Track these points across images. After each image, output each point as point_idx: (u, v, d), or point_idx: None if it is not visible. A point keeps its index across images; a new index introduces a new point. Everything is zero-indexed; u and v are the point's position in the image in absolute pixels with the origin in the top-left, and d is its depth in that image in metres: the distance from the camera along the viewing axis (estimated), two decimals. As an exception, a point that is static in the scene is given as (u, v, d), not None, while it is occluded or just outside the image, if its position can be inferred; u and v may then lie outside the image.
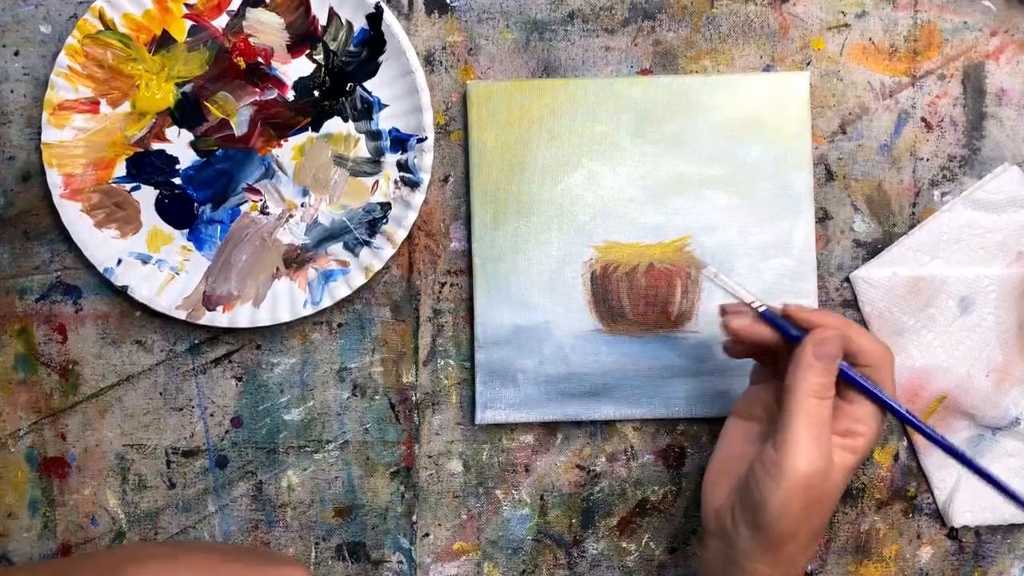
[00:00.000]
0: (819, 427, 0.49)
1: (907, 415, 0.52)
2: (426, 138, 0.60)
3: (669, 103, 0.61)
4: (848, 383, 0.51)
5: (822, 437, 0.49)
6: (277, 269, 0.61)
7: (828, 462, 0.49)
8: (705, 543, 0.55)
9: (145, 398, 0.62)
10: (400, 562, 0.63)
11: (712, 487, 0.55)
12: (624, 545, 0.63)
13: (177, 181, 0.61)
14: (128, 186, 0.61)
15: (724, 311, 0.55)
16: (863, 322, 0.62)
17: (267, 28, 0.61)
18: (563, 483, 0.63)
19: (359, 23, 0.60)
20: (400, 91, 0.61)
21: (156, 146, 0.61)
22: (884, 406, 0.52)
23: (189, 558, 0.50)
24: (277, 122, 0.61)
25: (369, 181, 0.61)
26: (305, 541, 0.63)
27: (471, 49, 0.62)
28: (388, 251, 0.61)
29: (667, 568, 0.63)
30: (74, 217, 0.60)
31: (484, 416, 0.61)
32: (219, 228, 0.62)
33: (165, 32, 0.60)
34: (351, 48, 0.61)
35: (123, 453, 0.63)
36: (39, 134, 0.60)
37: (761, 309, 0.54)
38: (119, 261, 0.61)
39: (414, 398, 0.63)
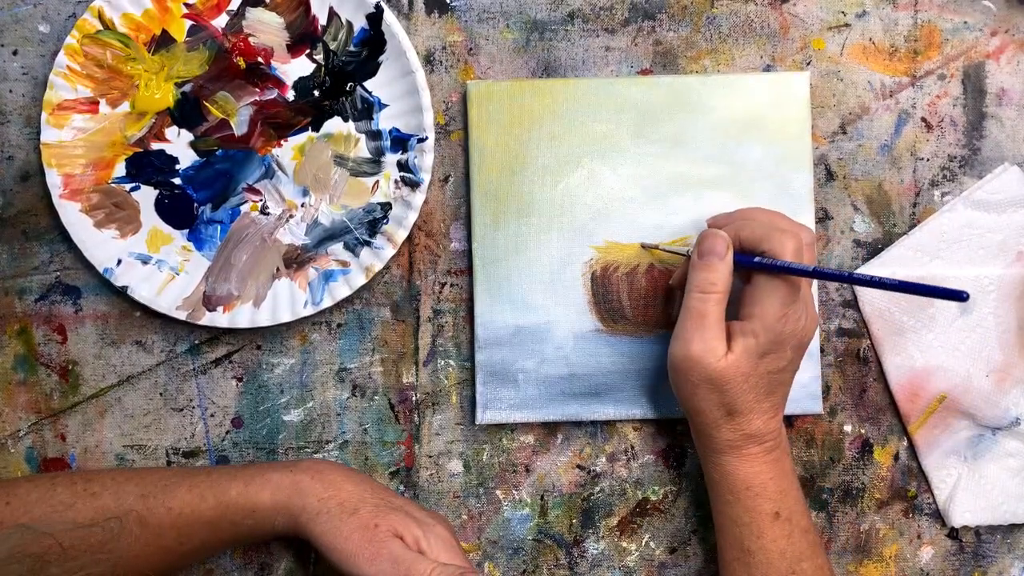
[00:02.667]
0: (698, 319, 0.54)
1: (792, 266, 0.53)
2: (426, 138, 0.60)
3: (669, 103, 0.61)
4: (746, 266, 0.55)
5: (700, 328, 0.54)
6: (277, 269, 0.61)
7: (705, 351, 0.53)
8: None
9: (145, 399, 0.62)
10: (400, 562, 0.63)
11: None
12: (624, 545, 0.63)
13: (177, 181, 0.61)
14: (128, 186, 0.61)
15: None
16: (863, 323, 0.62)
17: (267, 28, 0.61)
18: (563, 483, 0.63)
19: (359, 23, 0.60)
20: (400, 91, 0.61)
21: (156, 146, 0.61)
22: (765, 270, 0.54)
23: (365, 478, 0.58)
24: (277, 122, 0.61)
25: (369, 181, 0.61)
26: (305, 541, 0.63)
27: (471, 49, 0.62)
28: (388, 251, 0.61)
29: (667, 568, 0.63)
30: (74, 217, 0.60)
31: (484, 416, 0.61)
32: (219, 228, 0.61)
33: (164, 32, 0.60)
34: (351, 48, 0.61)
35: (123, 454, 0.63)
36: (38, 134, 0.60)
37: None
38: (119, 261, 0.61)
39: (414, 398, 0.63)
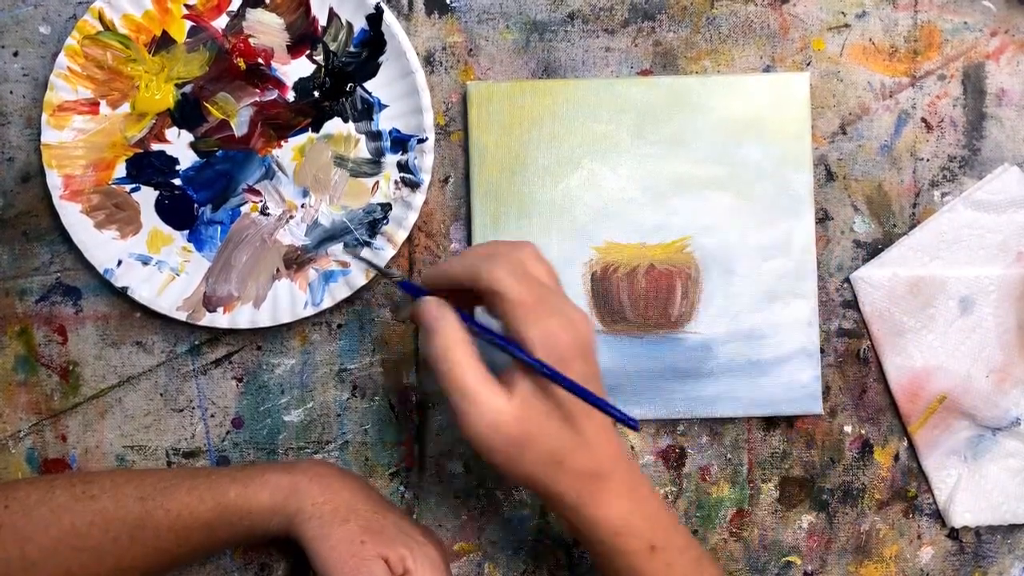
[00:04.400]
0: (459, 392, 0.48)
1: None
2: (426, 139, 0.60)
3: (669, 103, 0.61)
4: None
5: (464, 398, 0.48)
6: (277, 270, 0.61)
7: (484, 412, 0.48)
8: None
9: (145, 399, 0.62)
10: (401, 563, 0.63)
11: None
12: (624, 545, 0.63)
13: (177, 182, 0.61)
14: (128, 187, 0.61)
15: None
16: (863, 323, 0.62)
17: (267, 29, 0.61)
18: (563, 483, 0.63)
19: (359, 24, 0.60)
20: (400, 92, 0.61)
21: (156, 147, 0.61)
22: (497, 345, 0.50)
23: (363, 485, 0.58)
24: (277, 123, 0.61)
25: (369, 182, 0.61)
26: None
27: (471, 50, 0.62)
28: (388, 252, 0.61)
29: (667, 568, 0.63)
30: (74, 218, 0.60)
31: (484, 417, 0.61)
32: (219, 229, 0.61)
33: (165, 33, 0.60)
34: (351, 49, 0.61)
35: (123, 454, 0.63)
36: (39, 135, 0.60)
37: (399, 280, 0.56)
38: (119, 262, 0.61)
39: (414, 399, 0.63)
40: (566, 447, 0.49)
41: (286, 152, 0.61)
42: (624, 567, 0.52)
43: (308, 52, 0.61)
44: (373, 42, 0.60)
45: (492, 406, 0.48)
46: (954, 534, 0.63)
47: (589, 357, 0.50)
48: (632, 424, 0.49)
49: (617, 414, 0.49)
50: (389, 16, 0.60)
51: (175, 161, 0.61)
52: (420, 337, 0.50)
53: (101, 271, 0.60)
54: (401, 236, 0.60)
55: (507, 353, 0.49)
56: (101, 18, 0.60)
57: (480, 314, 0.55)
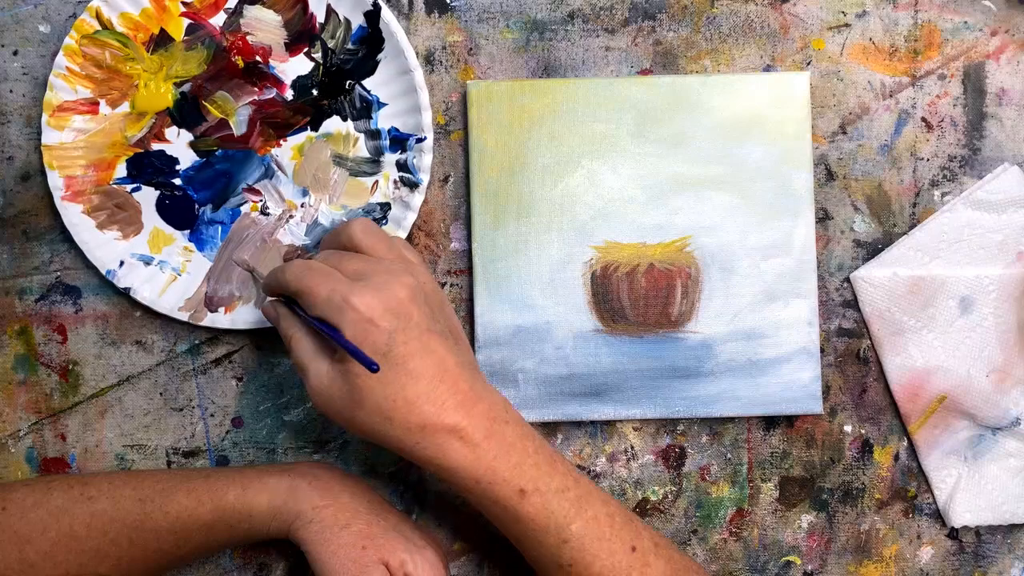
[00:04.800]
0: (299, 367, 0.54)
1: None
2: (425, 138, 0.60)
3: (669, 103, 0.61)
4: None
5: (303, 368, 0.53)
6: (277, 270, 0.61)
7: (314, 382, 0.52)
8: None
9: (145, 398, 0.62)
10: (400, 562, 0.63)
11: None
12: (624, 544, 0.63)
13: (177, 182, 0.61)
14: (129, 187, 0.61)
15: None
16: (863, 323, 0.62)
17: (265, 26, 0.61)
18: (563, 483, 0.63)
19: (357, 20, 0.60)
20: (399, 90, 0.61)
21: (156, 146, 0.61)
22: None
23: (364, 488, 0.58)
24: (276, 121, 0.61)
25: (369, 181, 0.61)
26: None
27: (471, 49, 0.62)
28: (388, 251, 0.60)
29: (667, 567, 0.63)
30: (76, 220, 0.60)
31: (484, 416, 0.61)
32: (220, 229, 0.61)
33: (163, 31, 0.60)
34: (349, 46, 0.61)
35: (123, 454, 0.63)
36: (38, 134, 0.60)
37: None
38: (121, 263, 0.61)
39: (414, 398, 0.63)
40: (390, 403, 0.51)
41: (285, 151, 0.61)
42: (499, 512, 0.53)
43: (306, 49, 0.61)
44: (371, 39, 0.60)
45: (319, 370, 0.52)
46: (954, 534, 0.63)
47: (403, 313, 0.51)
48: (372, 367, 0.49)
49: (360, 355, 0.50)
50: (387, 13, 0.60)
51: (175, 161, 0.61)
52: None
53: (104, 272, 0.60)
54: (400, 236, 0.60)
55: (319, 330, 0.52)
56: (99, 17, 0.59)
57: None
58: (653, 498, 0.63)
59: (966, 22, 0.62)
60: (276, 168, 0.61)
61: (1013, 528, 0.63)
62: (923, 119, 0.62)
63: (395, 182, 0.61)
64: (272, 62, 0.61)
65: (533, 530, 0.52)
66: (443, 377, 0.51)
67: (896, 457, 0.63)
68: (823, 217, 0.62)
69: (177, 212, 0.61)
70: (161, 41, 0.60)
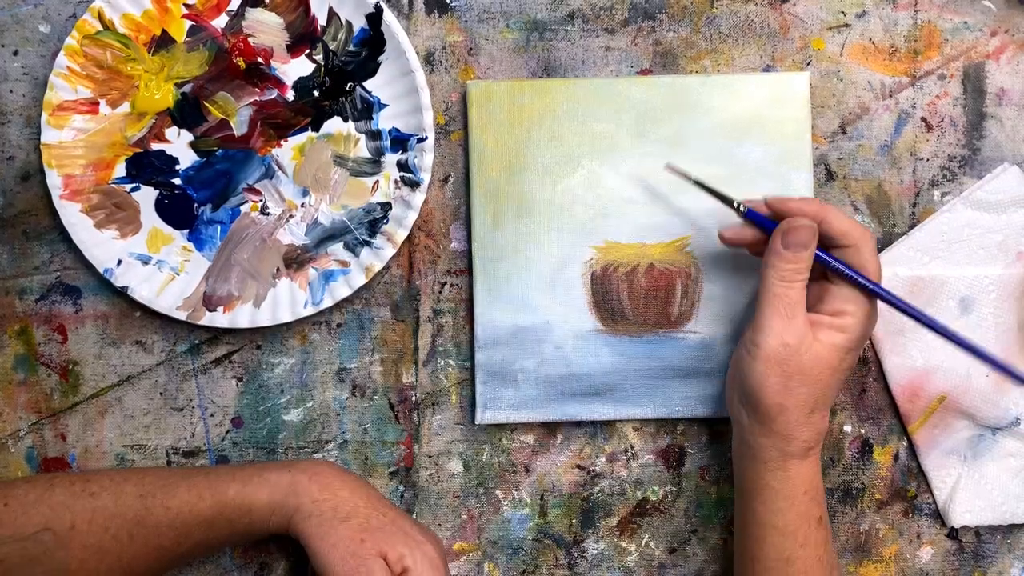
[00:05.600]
0: (788, 307, 0.53)
1: (876, 288, 0.53)
2: (426, 138, 0.60)
3: (669, 103, 0.61)
4: (827, 266, 0.54)
5: (791, 316, 0.53)
6: (277, 269, 0.61)
7: (800, 339, 0.53)
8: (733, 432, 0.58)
9: (145, 398, 0.62)
10: (400, 562, 0.63)
11: (729, 379, 0.58)
12: (624, 545, 0.63)
13: (177, 181, 0.61)
14: (128, 186, 0.61)
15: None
16: (863, 322, 0.62)
17: (267, 28, 0.61)
18: (563, 483, 0.63)
19: (359, 23, 0.60)
20: (400, 91, 0.61)
21: (156, 146, 0.61)
22: (853, 281, 0.54)
23: (363, 484, 0.58)
24: (277, 122, 0.61)
25: (369, 181, 0.61)
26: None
27: (471, 49, 0.62)
28: (388, 251, 0.61)
29: (667, 568, 0.63)
30: (74, 218, 0.60)
31: (484, 416, 0.61)
32: (219, 228, 0.61)
33: (164, 32, 0.60)
34: (351, 48, 0.61)
35: (123, 454, 0.63)
36: (38, 134, 0.60)
37: (744, 210, 0.56)
38: (119, 262, 0.61)
39: (414, 398, 0.63)
40: (827, 402, 0.55)
41: (286, 151, 0.61)
42: (794, 531, 0.55)
43: (308, 51, 0.61)
44: (373, 41, 0.60)
45: (803, 331, 0.53)
46: (954, 534, 0.63)
47: None
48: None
49: (1006, 369, 0.53)
50: (389, 15, 0.60)
51: (175, 160, 0.61)
52: (769, 249, 0.54)
53: (101, 271, 0.60)
54: (401, 235, 0.60)
55: (841, 274, 0.54)
56: (100, 17, 0.60)
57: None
58: (653, 498, 0.63)
59: (966, 22, 0.62)
60: (276, 168, 0.61)
61: (1013, 528, 0.63)
62: (923, 119, 0.62)
63: (396, 182, 0.61)
64: (274, 63, 0.61)
65: (810, 558, 0.55)
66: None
67: (896, 457, 0.63)
68: (823, 217, 0.62)
69: (176, 212, 0.61)
70: (163, 42, 0.60)
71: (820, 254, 0.54)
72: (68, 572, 0.54)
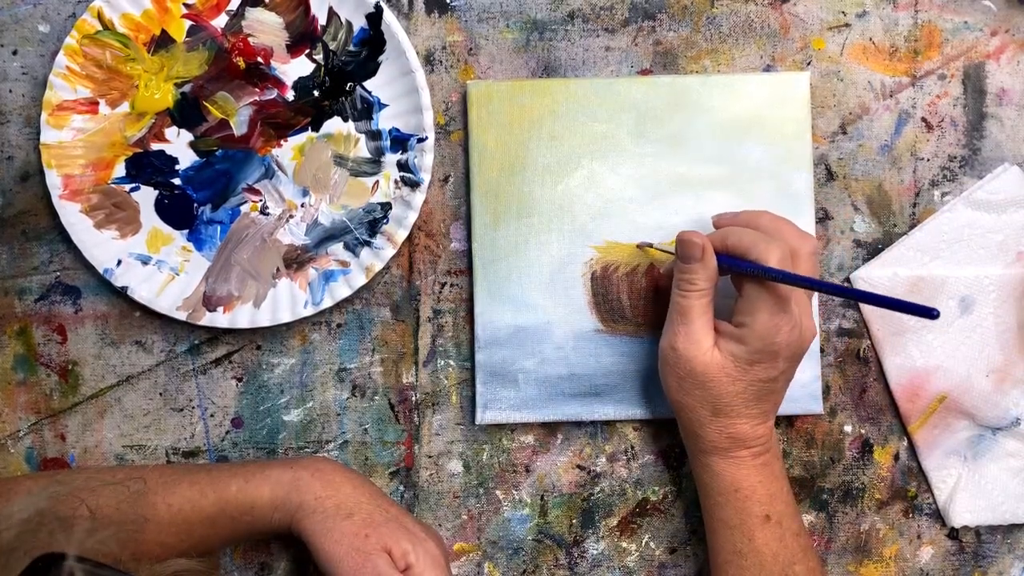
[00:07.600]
0: (681, 315, 0.55)
1: (783, 274, 0.53)
2: (426, 138, 0.60)
3: (669, 103, 0.61)
4: (729, 269, 0.55)
5: (684, 324, 0.55)
6: (277, 269, 0.61)
7: (688, 345, 0.55)
8: None
9: (145, 399, 0.62)
10: (400, 562, 0.63)
11: None
12: (624, 545, 0.63)
13: (177, 181, 0.61)
14: (128, 187, 0.61)
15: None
16: (863, 322, 0.62)
17: (266, 28, 0.61)
18: (563, 483, 0.63)
19: (359, 23, 0.60)
20: (400, 91, 0.61)
21: (155, 146, 0.61)
22: (746, 274, 0.54)
23: (365, 481, 0.58)
24: (277, 122, 0.61)
25: (369, 181, 0.61)
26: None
27: (471, 49, 0.62)
28: (389, 251, 0.60)
29: (667, 568, 0.63)
30: (74, 218, 0.60)
31: (484, 416, 0.61)
32: (219, 229, 0.61)
33: (164, 32, 0.60)
34: (351, 48, 0.61)
35: (123, 454, 0.63)
36: (38, 134, 0.60)
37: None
38: (119, 262, 0.61)
39: (414, 398, 0.63)
40: (731, 409, 0.55)
41: (286, 151, 0.61)
42: (737, 524, 0.56)
43: (308, 51, 0.61)
44: (373, 41, 0.60)
45: (698, 337, 0.55)
46: (954, 534, 0.63)
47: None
48: (931, 312, 0.50)
49: (909, 306, 0.51)
50: (389, 15, 0.60)
51: (175, 160, 0.61)
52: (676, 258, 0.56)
53: (101, 271, 0.60)
54: (401, 235, 0.60)
55: (742, 272, 0.54)
56: (100, 17, 0.59)
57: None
58: (653, 498, 0.63)
59: (966, 22, 0.62)
60: (276, 168, 0.61)
61: (1013, 528, 0.63)
62: (923, 119, 0.62)
63: (396, 182, 0.61)
64: (273, 63, 0.61)
65: (761, 552, 0.56)
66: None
67: (896, 457, 0.63)
68: (823, 217, 0.62)
69: (176, 212, 0.61)
70: (162, 42, 0.60)
71: (721, 259, 0.55)
72: (145, 541, 0.54)
